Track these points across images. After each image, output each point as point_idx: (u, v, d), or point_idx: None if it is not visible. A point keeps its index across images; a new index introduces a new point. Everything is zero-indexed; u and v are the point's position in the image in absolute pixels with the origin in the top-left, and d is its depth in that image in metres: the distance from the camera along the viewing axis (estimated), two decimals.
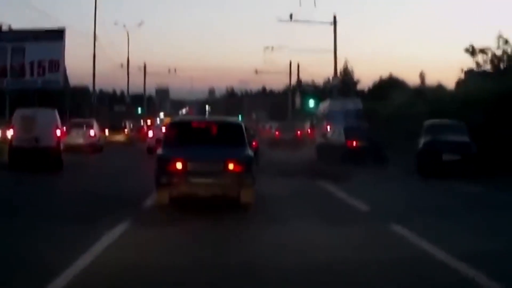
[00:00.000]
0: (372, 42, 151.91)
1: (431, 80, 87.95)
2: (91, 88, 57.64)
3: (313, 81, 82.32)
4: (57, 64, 38.48)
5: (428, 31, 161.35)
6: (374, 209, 12.49)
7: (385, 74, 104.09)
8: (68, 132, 31.02)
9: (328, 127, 35.42)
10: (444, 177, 18.96)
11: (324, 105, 41.47)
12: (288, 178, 19.07)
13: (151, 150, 27.49)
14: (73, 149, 29.02)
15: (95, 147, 32.72)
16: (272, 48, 53.67)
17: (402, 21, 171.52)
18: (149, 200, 12.91)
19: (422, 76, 77.95)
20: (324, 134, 28.94)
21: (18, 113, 22.24)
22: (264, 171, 18.45)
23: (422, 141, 20.72)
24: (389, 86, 54.06)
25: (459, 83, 72.88)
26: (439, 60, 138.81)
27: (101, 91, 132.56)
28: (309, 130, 48.29)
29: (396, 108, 33.98)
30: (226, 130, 12.61)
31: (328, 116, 36.68)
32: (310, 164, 25.77)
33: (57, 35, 38.70)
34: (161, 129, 28.83)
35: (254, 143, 20.61)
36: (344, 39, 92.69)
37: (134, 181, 17.82)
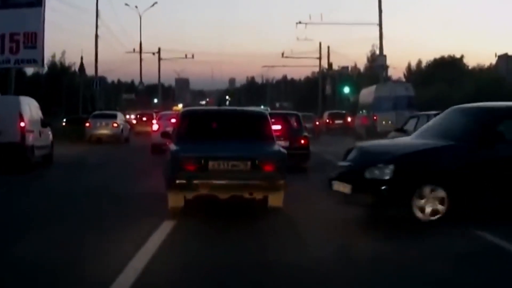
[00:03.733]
0: (400, 24, 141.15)
1: None
2: (109, 78, 48.56)
3: (339, 66, 71.80)
4: (33, 38, 28.43)
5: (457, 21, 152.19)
6: None
7: (413, 59, 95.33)
8: (92, 123, 32.68)
9: (375, 118, 30.74)
10: None
11: (368, 91, 34.92)
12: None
13: (156, 148, 20.49)
14: (98, 139, 31.82)
15: (119, 138, 32.62)
16: (308, 22, 43.86)
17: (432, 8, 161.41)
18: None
19: None
20: (401, 127, 18.84)
21: None
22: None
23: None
24: (444, 67, 45.71)
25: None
26: (466, 46, 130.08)
27: (119, 81, 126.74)
28: (327, 120, 44.16)
29: (476, 92, 24.79)
30: (249, 122, 10.46)
31: (374, 105, 31.57)
32: None
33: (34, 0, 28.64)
34: (168, 120, 23.92)
35: (303, 141, 16.90)
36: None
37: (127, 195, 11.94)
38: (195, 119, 10.81)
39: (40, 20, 28.77)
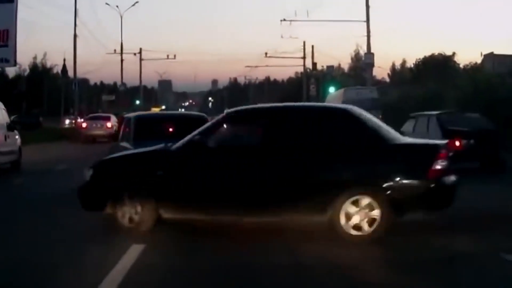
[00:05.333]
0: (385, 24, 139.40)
1: None
2: (92, 80, 47.25)
3: (322, 66, 70.32)
4: (5, 36, 26.62)
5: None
6: None
7: (397, 59, 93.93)
8: (88, 124, 35.57)
9: None
10: None
11: (337, 94, 36.20)
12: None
13: None
14: (93, 138, 34.11)
15: (113, 137, 31.06)
16: (292, 20, 42.41)
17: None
18: None
19: None
20: (398, 130, 17.06)
21: None
22: None
23: None
24: (435, 66, 44.42)
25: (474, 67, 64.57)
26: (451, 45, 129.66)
27: (101, 83, 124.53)
28: None
29: (472, 91, 23.21)
30: (193, 124, 9.60)
31: None
32: None
33: None
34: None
35: None
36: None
37: None
38: (148, 122, 12.06)
39: (13, 17, 27.04)
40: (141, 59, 61.73)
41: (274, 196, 7.58)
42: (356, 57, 73.12)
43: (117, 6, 58.18)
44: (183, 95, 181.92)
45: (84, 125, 36.49)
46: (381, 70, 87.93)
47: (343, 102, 31.50)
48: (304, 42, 56.82)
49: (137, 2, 56.67)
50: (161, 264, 6.51)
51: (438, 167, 7.48)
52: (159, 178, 7.81)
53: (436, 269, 6.22)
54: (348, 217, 7.35)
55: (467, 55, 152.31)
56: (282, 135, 7.86)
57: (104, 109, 61.07)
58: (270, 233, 7.65)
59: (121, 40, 59.16)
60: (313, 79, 56.23)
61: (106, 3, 57.16)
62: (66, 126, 54.17)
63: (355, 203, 7.38)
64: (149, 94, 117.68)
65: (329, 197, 7.38)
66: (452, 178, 7.70)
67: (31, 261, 6.61)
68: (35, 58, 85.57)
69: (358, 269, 6.13)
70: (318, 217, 7.54)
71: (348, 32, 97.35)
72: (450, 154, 7.88)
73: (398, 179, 7.41)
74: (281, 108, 8.97)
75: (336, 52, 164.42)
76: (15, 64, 28.99)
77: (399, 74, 66.13)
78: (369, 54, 36.83)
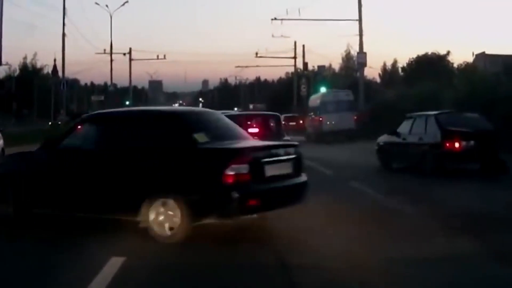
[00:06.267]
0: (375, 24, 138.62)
1: None
2: (82, 80, 46.64)
3: (313, 66, 69.72)
4: None
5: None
6: None
7: (388, 59, 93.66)
8: None
9: (321, 119, 34.38)
10: None
11: (317, 97, 38.03)
12: None
13: None
14: None
15: None
16: (283, 18, 41.77)
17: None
18: None
19: None
20: (395, 130, 16.53)
21: None
22: None
23: None
24: (429, 65, 43.96)
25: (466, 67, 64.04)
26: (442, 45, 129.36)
27: (92, 83, 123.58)
28: (284, 122, 45.97)
29: (471, 90, 22.68)
30: None
31: (320, 108, 34.95)
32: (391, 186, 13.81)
33: None
34: None
35: None
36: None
37: None
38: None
39: None
40: (130, 59, 61.00)
41: (99, 196, 7.94)
42: (347, 57, 72.36)
43: (106, 6, 57.54)
44: (174, 96, 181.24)
45: (79, 126, 38.38)
46: (372, 70, 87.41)
47: (321, 104, 35.33)
48: (295, 42, 56.43)
49: (126, 2, 56.04)
50: (143, 277, 6.11)
51: (232, 172, 7.23)
52: (21, 178, 8.54)
53: (435, 269, 6.16)
54: (156, 218, 7.50)
55: (458, 55, 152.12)
56: (109, 139, 8.32)
57: (94, 110, 60.29)
58: (255, 235, 7.65)
59: (111, 40, 57.99)
60: (304, 79, 55.64)
61: (96, 3, 56.43)
62: None
63: (163, 205, 7.49)
64: (140, 95, 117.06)
65: (139, 199, 7.53)
66: (259, 186, 7.41)
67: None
68: (25, 58, 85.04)
69: (351, 270, 6.11)
70: (134, 217, 7.64)
71: (340, 32, 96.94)
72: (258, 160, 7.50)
73: (195, 184, 7.43)
74: (116, 113, 9.64)
75: (327, 52, 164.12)
76: (0, 63, 28.31)
77: (390, 74, 65.58)
78: (362, 53, 36.44)
